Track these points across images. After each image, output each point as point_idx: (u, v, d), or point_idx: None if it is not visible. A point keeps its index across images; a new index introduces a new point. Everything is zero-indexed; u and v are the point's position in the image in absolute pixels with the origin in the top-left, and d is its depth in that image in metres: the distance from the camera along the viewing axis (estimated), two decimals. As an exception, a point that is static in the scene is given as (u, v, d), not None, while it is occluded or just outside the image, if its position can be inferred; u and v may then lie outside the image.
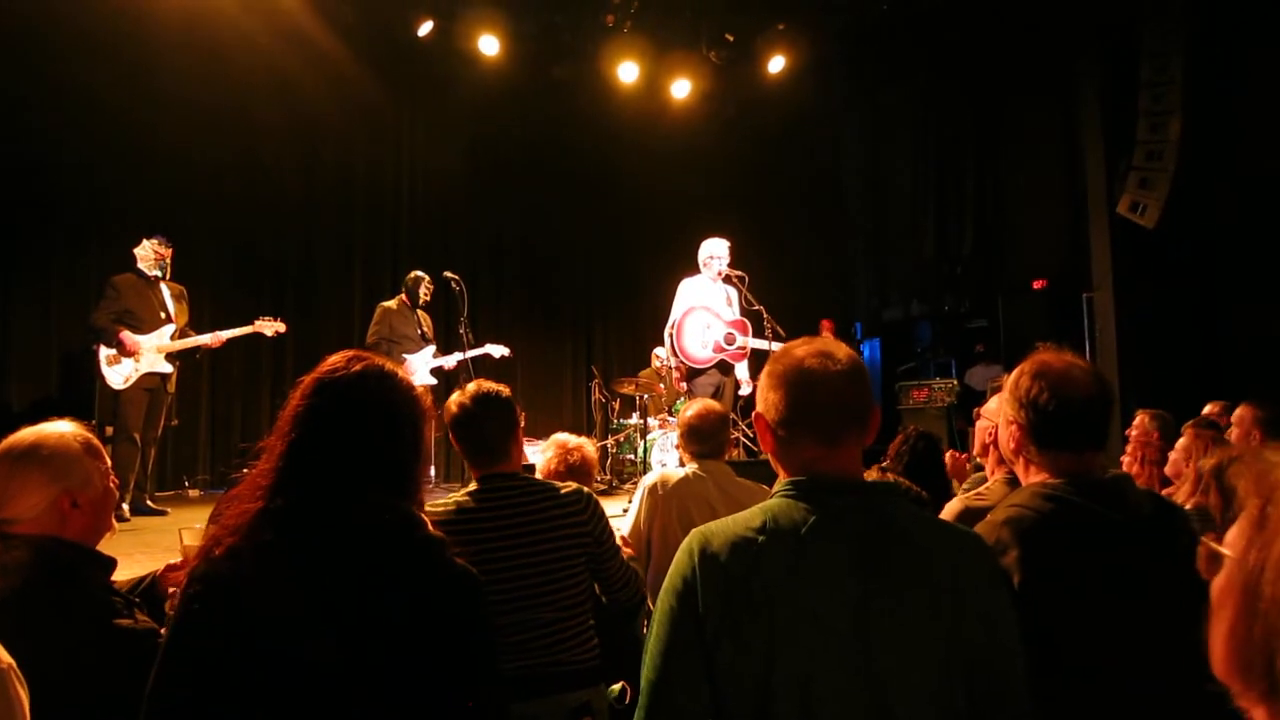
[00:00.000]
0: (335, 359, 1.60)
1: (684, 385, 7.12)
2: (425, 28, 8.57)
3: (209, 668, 1.36)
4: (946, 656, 1.31)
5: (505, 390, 2.57)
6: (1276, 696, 0.57)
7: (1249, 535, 0.61)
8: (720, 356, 6.62)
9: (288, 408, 1.54)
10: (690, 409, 3.45)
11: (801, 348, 1.50)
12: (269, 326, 6.53)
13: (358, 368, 1.57)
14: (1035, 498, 1.66)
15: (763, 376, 1.54)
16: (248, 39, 7.77)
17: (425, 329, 7.31)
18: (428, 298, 7.34)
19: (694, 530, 1.42)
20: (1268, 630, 0.57)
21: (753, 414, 1.56)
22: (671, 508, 3.19)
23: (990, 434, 2.73)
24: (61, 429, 1.87)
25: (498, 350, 7.33)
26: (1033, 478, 1.75)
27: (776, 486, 1.46)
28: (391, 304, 7.26)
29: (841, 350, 1.49)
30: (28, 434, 1.83)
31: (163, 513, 6.04)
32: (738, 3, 9.15)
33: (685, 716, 1.32)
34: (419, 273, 7.34)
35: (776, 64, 9.58)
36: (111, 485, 1.93)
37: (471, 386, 2.55)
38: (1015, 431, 1.76)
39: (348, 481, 1.49)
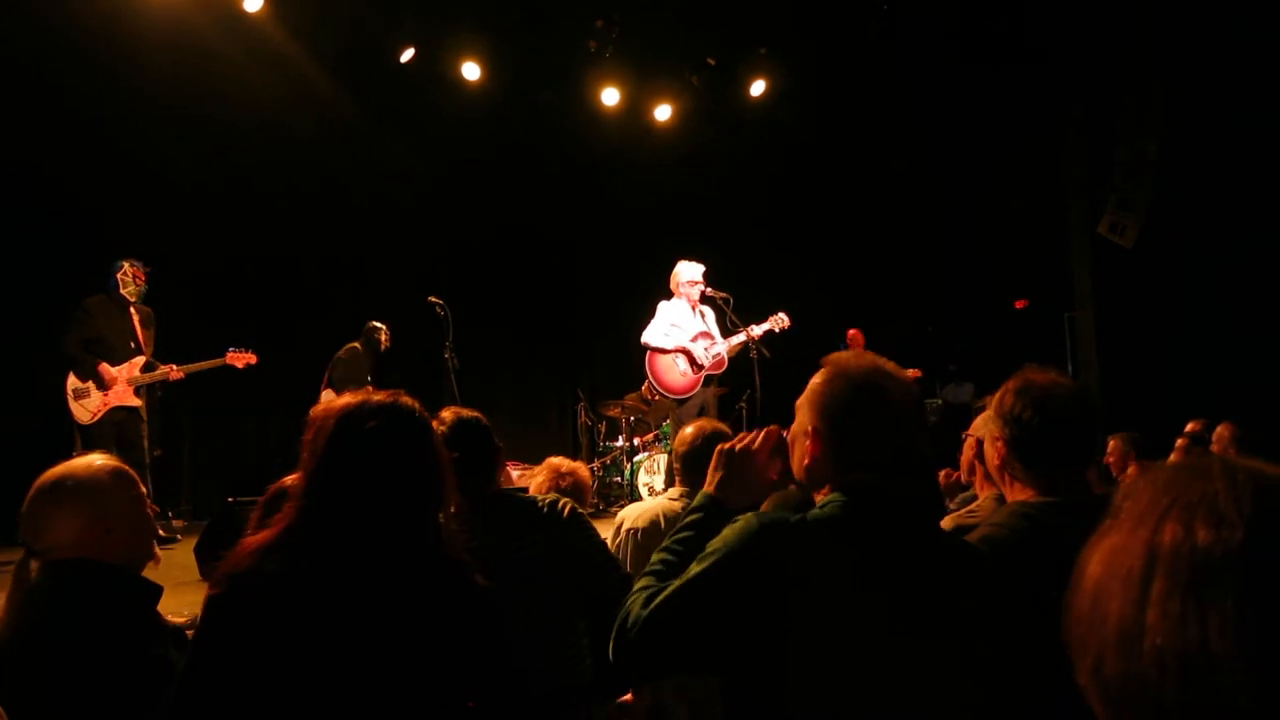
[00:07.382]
0: (353, 400, 1.60)
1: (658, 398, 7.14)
2: (407, 54, 8.57)
3: (230, 693, 1.38)
4: (964, 668, 1.37)
5: (482, 416, 2.50)
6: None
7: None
8: (701, 375, 6.73)
9: (310, 450, 1.55)
10: (689, 428, 3.07)
11: (860, 358, 1.54)
12: (240, 359, 6.44)
13: (378, 408, 1.58)
14: (1012, 516, 1.68)
15: (822, 392, 1.53)
16: (229, 65, 7.76)
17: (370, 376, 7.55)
18: (387, 345, 7.67)
19: (755, 514, 1.46)
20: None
21: (810, 426, 1.53)
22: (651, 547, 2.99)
23: (975, 452, 2.77)
24: (90, 460, 1.96)
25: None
26: (1017, 495, 1.77)
27: (828, 495, 1.49)
28: (358, 346, 7.58)
29: (901, 371, 1.53)
30: (58, 469, 1.92)
31: (173, 540, 5.87)
32: (719, 27, 9.22)
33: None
34: (378, 323, 7.69)
35: (758, 88, 9.65)
36: (149, 512, 2.00)
37: (448, 414, 2.48)
38: (1000, 448, 1.78)
39: (374, 515, 1.52)
